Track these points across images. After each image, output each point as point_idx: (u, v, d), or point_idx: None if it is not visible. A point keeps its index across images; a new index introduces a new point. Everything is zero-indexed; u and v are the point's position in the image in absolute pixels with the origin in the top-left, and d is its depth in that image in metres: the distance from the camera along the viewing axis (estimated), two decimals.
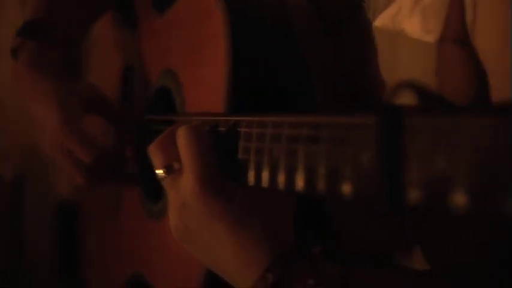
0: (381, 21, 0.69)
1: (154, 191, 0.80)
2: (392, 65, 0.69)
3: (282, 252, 0.57)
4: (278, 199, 0.60)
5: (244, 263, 0.58)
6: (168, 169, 0.61)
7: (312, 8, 0.77)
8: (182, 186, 0.59)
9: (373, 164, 0.42)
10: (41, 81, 0.85)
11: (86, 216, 1.10)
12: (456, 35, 0.63)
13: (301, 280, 0.56)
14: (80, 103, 0.84)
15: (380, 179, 0.41)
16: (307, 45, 0.73)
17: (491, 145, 0.34)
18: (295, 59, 0.71)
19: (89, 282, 1.08)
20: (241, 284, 0.59)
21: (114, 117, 0.89)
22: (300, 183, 0.51)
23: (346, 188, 0.45)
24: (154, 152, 0.63)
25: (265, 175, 0.55)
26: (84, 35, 1.00)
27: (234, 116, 0.61)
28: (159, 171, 0.62)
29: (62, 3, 0.95)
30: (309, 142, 0.49)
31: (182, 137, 0.60)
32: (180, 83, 0.77)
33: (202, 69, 0.71)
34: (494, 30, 0.61)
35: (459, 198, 0.35)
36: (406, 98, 0.42)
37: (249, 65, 0.67)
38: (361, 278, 0.58)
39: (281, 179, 0.53)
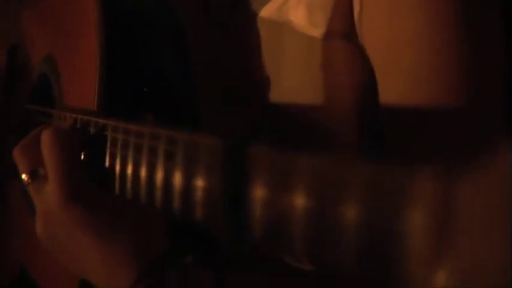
0: (267, 12, 0.66)
1: None
2: (278, 59, 0.66)
3: (151, 263, 0.55)
4: (147, 208, 0.57)
5: (112, 275, 0.55)
6: (33, 175, 0.57)
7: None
8: (47, 194, 0.56)
9: (217, 189, 0.40)
10: None
11: None
12: (343, 29, 0.61)
13: None
14: None
15: (223, 210, 0.39)
16: (193, 37, 0.69)
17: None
18: (176, 53, 0.67)
19: None
20: None
21: None
22: (158, 199, 0.48)
23: (198, 212, 0.43)
24: (18, 155, 0.59)
25: (128, 185, 0.52)
26: None
27: (103, 118, 0.57)
28: (24, 177, 0.58)
29: None
30: (166, 157, 0.47)
31: (46, 142, 0.56)
32: (59, 72, 0.72)
33: (78, 60, 0.67)
34: (381, 24, 0.59)
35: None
36: None
37: (124, 58, 0.63)
38: (235, 282, 0.57)
39: (142, 192, 0.50)
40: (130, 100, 0.62)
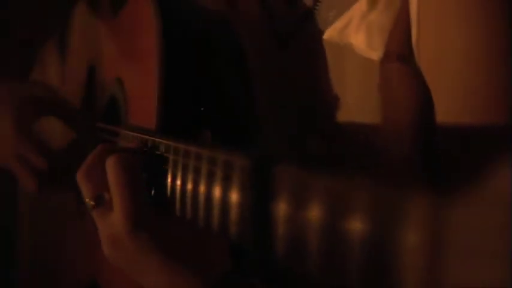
0: (329, 34, 0.67)
1: None
2: (341, 81, 0.66)
3: (215, 282, 0.56)
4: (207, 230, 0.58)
5: None
6: (98, 201, 0.59)
7: (265, 19, 0.74)
8: (112, 220, 0.57)
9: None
10: None
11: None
12: (400, 52, 0.61)
13: None
14: (32, 106, 0.83)
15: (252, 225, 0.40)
16: (256, 60, 0.70)
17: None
18: (237, 76, 0.68)
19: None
20: None
21: (67, 119, 0.88)
22: (215, 220, 0.49)
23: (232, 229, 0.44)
24: (82, 179, 0.60)
25: (188, 208, 0.54)
26: (49, 34, 0.99)
27: (165, 139, 0.59)
28: (88, 201, 0.60)
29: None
30: (223, 179, 0.48)
31: (112, 167, 0.57)
32: (126, 93, 0.75)
33: (141, 81, 0.69)
34: (436, 47, 0.59)
35: None
36: None
37: (181, 81, 0.65)
38: None
39: (200, 214, 0.51)
40: (188, 119, 0.64)
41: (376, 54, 0.62)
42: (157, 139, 0.60)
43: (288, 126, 0.71)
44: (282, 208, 0.38)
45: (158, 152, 0.59)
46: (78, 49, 1.06)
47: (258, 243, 0.42)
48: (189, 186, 0.53)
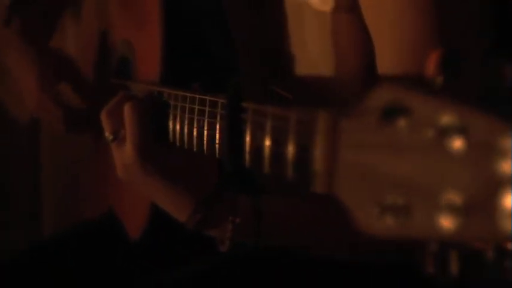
0: None
1: None
2: (301, 38, 0.81)
3: (204, 197, 0.73)
4: (200, 155, 0.75)
5: (175, 207, 0.74)
6: (115, 135, 0.76)
7: None
8: (125, 151, 0.74)
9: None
10: (23, 47, 1.01)
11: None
12: (347, 4, 0.75)
13: (222, 216, 0.72)
14: (53, 68, 0.99)
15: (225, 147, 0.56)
16: (235, 18, 0.86)
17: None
18: (222, 31, 0.84)
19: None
20: (178, 219, 0.75)
21: (81, 86, 1.04)
22: (204, 147, 0.66)
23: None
24: (104, 118, 0.77)
25: (185, 140, 0.71)
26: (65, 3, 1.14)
27: (167, 88, 0.76)
28: (108, 135, 0.76)
29: None
30: (209, 116, 0.65)
31: (127, 110, 0.74)
32: (134, 52, 0.91)
33: (147, 42, 0.85)
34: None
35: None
36: None
37: (180, 37, 0.81)
38: (272, 206, 0.73)
39: (194, 143, 0.69)
40: (184, 73, 0.80)
41: (327, 7, 0.76)
42: (160, 88, 0.76)
43: (258, 75, 0.86)
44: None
45: (163, 99, 0.75)
46: (91, 15, 1.21)
47: (232, 161, 0.58)
48: (186, 123, 0.70)
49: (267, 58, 0.86)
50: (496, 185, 0.35)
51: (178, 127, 0.72)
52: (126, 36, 0.96)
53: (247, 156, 0.56)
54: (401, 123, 0.40)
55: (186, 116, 0.70)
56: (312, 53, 0.80)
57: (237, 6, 0.87)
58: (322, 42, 0.78)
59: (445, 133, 0.38)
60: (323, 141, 0.45)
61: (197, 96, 0.68)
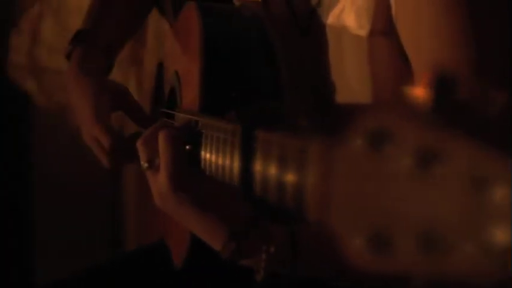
0: (329, 20, 0.81)
1: None
2: (340, 64, 0.80)
3: (237, 225, 0.72)
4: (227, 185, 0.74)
5: (210, 236, 0.73)
6: (150, 164, 0.76)
7: (289, 13, 0.89)
8: (159, 180, 0.74)
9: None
10: (81, 79, 1.05)
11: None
12: (384, 28, 0.74)
13: (257, 245, 0.71)
14: (108, 100, 1.02)
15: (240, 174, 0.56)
16: (283, 48, 0.85)
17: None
18: (266, 63, 0.84)
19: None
20: (214, 248, 0.74)
21: (136, 115, 1.07)
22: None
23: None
24: (140, 146, 0.78)
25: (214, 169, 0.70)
26: (128, 38, 1.18)
27: (201, 117, 0.76)
28: (143, 164, 0.77)
29: (107, 14, 1.13)
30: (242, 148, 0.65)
31: (162, 139, 0.75)
32: (181, 85, 0.92)
33: (190, 74, 0.86)
34: (408, 21, 0.71)
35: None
36: None
37: (220, 73, 0.81)
38: (307, 234, 0.71)
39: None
40: (224, 104, 0.80)
41: (364, 31, 0.75)
42: (197, 118, 0.77)
43: (304, 103, 0.85)
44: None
45: (197, 128, 0.76)
46: (153, 49, 1.25)
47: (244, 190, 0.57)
48: (214, 152, 0.70)
49: (312, 87, 0.85)
50: (484, 218, 0.33)
51: (208, 156, 0.72)
52: (175, 67, 0.97)
53: (257, 186, 0.55)
54: (388, 150, 0.38)
55: (216, 145, 0.70)
56: (351, 79, 0.78)
57: (286, 36, 0.87)
58: (360, 68, 0.77)
59: (425, 160, 0.35)
60: (315, 170, 0.44)
61: (229, 126, 0.67)
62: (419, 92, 0.39)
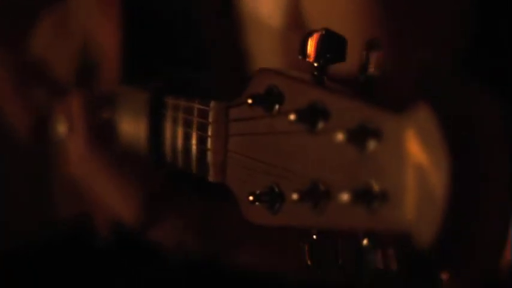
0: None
1: None
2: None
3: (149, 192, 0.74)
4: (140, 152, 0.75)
5: (123, 203, 0.74)
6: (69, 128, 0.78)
7: None
8: (77, 143, 0.75)
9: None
10: None
11: None
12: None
13: (167, 215, 0.72)
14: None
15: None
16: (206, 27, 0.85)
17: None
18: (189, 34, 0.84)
19: None
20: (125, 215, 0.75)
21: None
22: None
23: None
24: (59, 114, 0.80)
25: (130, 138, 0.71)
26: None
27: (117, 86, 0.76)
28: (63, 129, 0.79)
29: None
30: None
31: (76, 105, 0.76)
32: (98, 54, 0.91)
33: (107, 41, 0.86)
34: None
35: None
36: None
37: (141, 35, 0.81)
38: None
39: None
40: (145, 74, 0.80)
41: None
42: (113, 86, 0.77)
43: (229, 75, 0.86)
44: None
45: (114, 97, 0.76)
46: (77, 25, 1.23)
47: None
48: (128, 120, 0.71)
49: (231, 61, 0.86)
50: (361, 169, 0.33)
51: (124, 124, 0.72)
52: (93, 39, 0.96)
53: (167, 152, 0.55)
54: (278, 109, 0.39)
55: (128, 112, 0.71)
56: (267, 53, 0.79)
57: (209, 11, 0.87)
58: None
59: (312, 116, 0.36)
60: (214, 131, 0.45)
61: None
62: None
